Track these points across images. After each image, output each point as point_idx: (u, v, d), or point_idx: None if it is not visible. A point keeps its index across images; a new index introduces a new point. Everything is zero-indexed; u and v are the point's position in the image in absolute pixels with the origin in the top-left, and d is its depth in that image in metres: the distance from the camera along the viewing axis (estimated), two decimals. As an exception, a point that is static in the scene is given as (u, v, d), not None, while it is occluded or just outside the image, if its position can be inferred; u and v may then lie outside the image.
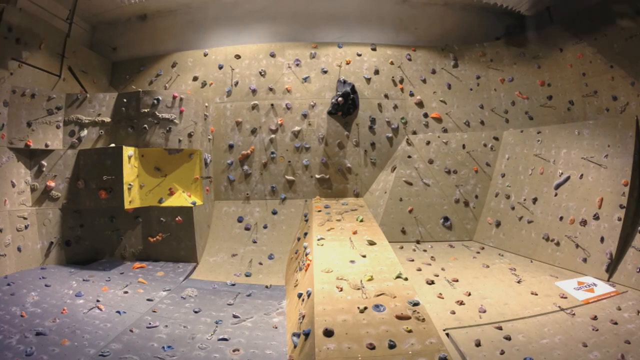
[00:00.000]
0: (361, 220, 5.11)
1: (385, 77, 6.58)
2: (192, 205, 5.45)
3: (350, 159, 6.39)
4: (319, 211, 5.63)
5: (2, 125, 4.71)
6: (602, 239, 4.18)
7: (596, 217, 4.31)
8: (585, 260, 4.29)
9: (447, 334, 3.23)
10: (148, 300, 4.14)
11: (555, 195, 4.92)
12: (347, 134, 6.40)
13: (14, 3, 4.90)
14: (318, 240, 4.42)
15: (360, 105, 6.42)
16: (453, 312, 3.59)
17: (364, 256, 3.92)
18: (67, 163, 5.29)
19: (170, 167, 5.68)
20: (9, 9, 4.72)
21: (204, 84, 6.58)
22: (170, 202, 5.53)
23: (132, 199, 5.20)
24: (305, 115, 6.42)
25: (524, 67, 6.27)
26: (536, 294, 3.86)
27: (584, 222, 4.43)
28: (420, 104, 6.54)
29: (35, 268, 4.78)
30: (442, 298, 3.90)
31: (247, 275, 5.15)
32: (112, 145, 5.27)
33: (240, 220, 6.09)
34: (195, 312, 3.93)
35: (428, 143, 6.25)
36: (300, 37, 6.84)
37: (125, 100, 5.57)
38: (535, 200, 5.18)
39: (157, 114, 5.49)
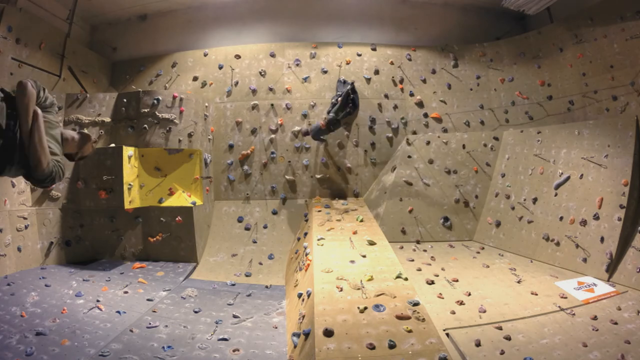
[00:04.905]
0: (361, 220, 5.11)
1: (385, 77, 6.58)
2: (192, 205, 5.45)
3: (350, 159, 6.39)
4: (319, 211, 5.63)
5: (2, 125, 4.71)
6: (602, 239, 4.17)
7: (596, 217, 4.31)
8: (585, 260, 4.29)
9: (447, 334, 3.23)
10: (148, 300, 4.14)
11: (555, 195, 4.92)
12: (347, 134, 6.40)
13: (14, 3, 4.90)
14: (318, 240, 4.42)
15: (360, 105, 6.42)
16: (453, 312, 3.59)
17: (364, 256, 3.92)
18: (67, 163, 5.26)
19: (170, 167, 5.68)
20: (9, 9, 4.71)
21: (204, 84, 6.58)
22: (170, 202, 5.53)
23: (132, 199, 5.20)
24: (305, 115, 6.42)
25: (524, 67, 6.26)
26: (536, 294, 3.85)
27: (584, 222, 4.43)
28: (420, 104, 6.54)
29: (35, 268, 4.78)
30: (442, 298, 3.89)
31: (247, 275, 5.15)
32: (112, 145, 5.27)
33: (240, 220, 6.09)
34: (195, 312, 3.93)
35: (428, 143, 6.25)
36: (300, 37, 6.84)
37: (125, 100, 5.57)
38: (535, 200, 5.18)
39: (157, 114, 5.50)
